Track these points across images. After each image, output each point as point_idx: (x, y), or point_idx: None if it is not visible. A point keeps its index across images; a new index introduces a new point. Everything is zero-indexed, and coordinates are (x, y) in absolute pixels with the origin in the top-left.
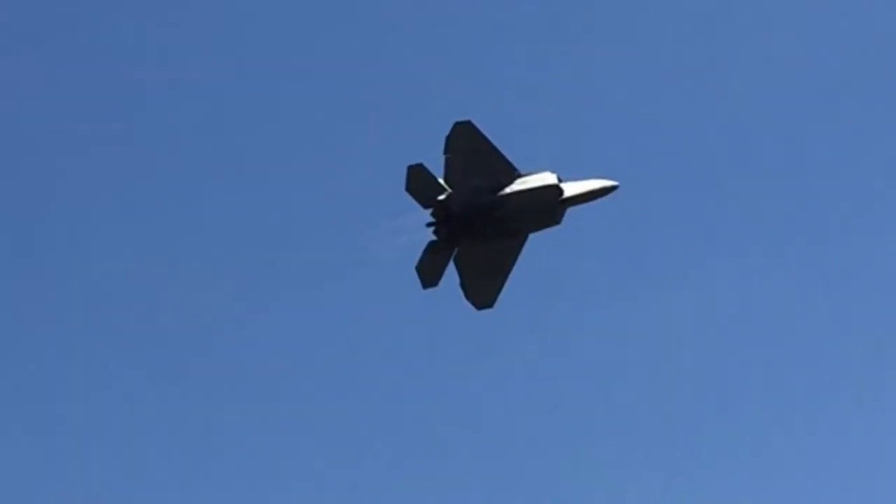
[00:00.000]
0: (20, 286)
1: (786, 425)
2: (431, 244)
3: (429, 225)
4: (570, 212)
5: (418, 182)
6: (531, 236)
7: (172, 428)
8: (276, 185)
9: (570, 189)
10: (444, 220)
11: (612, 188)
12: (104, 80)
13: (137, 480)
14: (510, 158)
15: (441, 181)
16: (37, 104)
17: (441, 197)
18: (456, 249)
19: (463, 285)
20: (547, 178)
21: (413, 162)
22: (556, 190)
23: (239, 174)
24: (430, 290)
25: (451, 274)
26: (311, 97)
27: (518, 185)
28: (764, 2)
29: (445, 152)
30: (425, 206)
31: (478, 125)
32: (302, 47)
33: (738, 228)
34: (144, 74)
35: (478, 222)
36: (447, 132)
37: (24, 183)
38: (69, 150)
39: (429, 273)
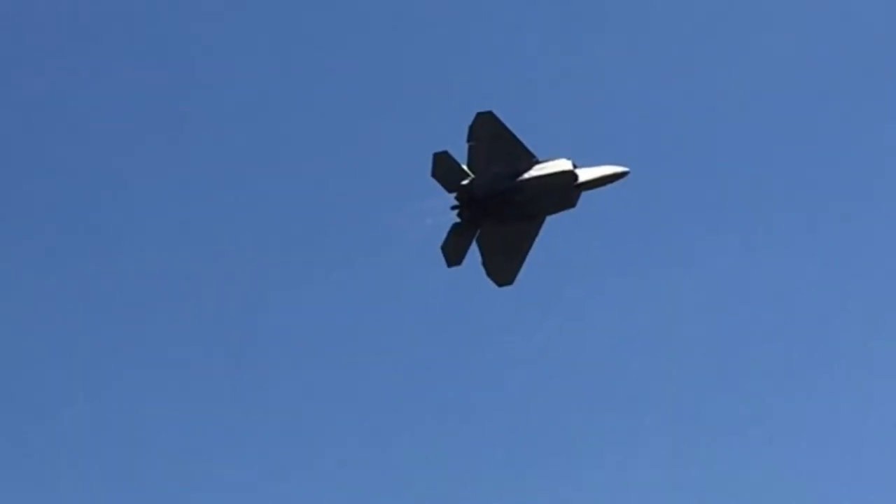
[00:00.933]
0: (69, 267)
1: (785, 392)
2: (455, 226)
3: (453, 208)
4: (585, 196)
5: (443, 168)
6: (548, 218)
7: (215, 403)
8: (315, 173)
9: (585, 175)
10: (468, 203)
11: (623, 174)
12: (153, 71)
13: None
14: (528, 146)
15: (464, 167)
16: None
17: (464, 182)
18: (478, 231)
19: (485, 264)
20: (563, 165)
21: (438, 150)
22: (571, 175)
23: (281, 162)
24: (454, 269)
25: (473, 254)
26: (347, 93)
27: (536, 171)
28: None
29: (469, 140)
30: (450, 191)
31: (498, 115)
32: (338, 44)
33: (738, 211)
34: (193, 66)
35: (498, 205)
36: (470, 122)
37: (77, 169)
38: (117, 136)
39: (453, 252)
